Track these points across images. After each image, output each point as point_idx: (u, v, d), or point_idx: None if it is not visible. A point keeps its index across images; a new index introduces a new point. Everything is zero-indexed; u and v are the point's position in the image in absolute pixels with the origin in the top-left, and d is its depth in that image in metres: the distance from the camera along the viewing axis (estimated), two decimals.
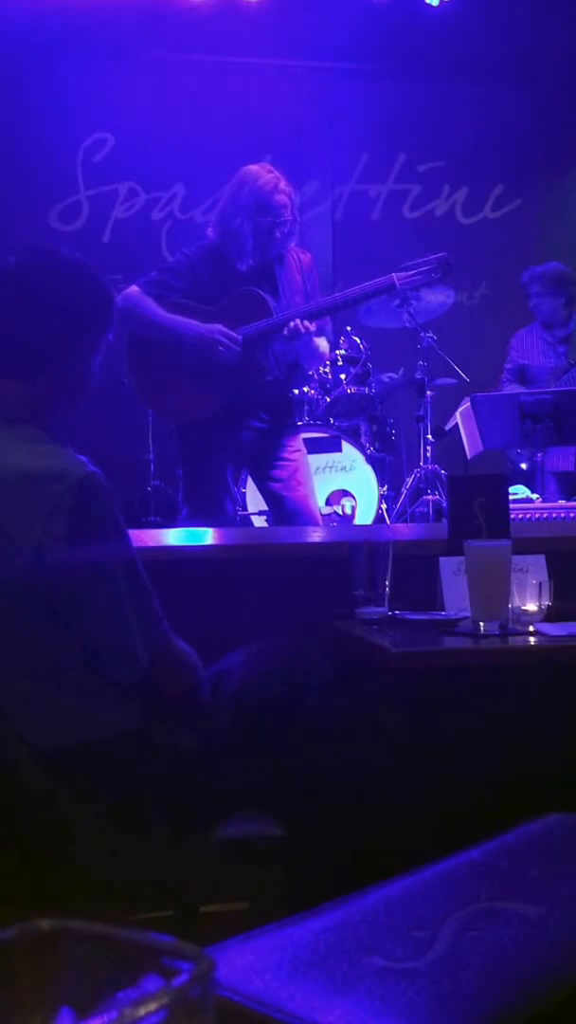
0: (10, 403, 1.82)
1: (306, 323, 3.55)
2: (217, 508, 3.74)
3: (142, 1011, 0.47)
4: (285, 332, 3.57)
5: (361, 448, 5.11)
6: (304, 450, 3.94)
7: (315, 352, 3.78)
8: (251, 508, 4.63)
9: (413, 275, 3.76)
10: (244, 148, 6.36)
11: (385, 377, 5.50)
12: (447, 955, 0.81)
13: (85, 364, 1.89)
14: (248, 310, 3.62)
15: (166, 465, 5.79)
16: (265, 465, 3.81)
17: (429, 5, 6.31)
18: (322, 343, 3.82)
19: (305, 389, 5.07)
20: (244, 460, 3.91)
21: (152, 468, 5.75)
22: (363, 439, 5.31)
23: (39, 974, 0.51)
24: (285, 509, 3.77)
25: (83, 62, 6.21)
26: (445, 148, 6.74)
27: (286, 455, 3.79)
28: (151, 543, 2.70)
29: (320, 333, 3.75)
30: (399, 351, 5.64)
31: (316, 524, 3.83)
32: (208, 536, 3.22)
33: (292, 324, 3.54)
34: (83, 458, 1.78)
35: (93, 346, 1.90)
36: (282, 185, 3.64)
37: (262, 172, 3.68)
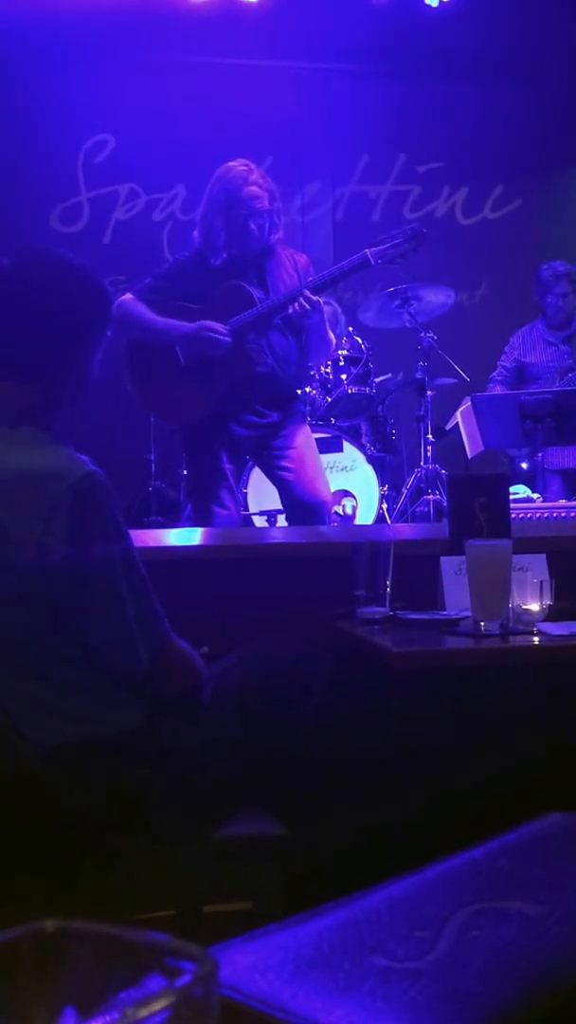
0: (11, 404, 1.83)
1: (308, 295, 3.51)
2: (219, 506, 3.74)
3: (145, 1011, 0.47)
4: (291, 311, 3.54)
5: (362, 448, 5.11)
6: (311, 437, 3.93)
7: (325, 337, 3.75)
8: (252, 508, 4.63)
9: (387, 248, 3.71)
10: (244, 149, 6.33)
11: (389, 383, 5.50)
12: (450, 955, 0.81)
13: (84, 363, 1.90)
14: (234, 303, 3.62)
15: (167, 465, 5.79)
16: (272, 457, 3.80)
17: (428, 6, 6.31)
18: (330, 333, 3.81)
19: (307, 389, 5.07)
20: (248, 454, 3.89)
21: (153, 468, 5.75)
22: (364, 439, 5.31)
23: (42, 974, 0.51)
24: (295, 496, 3.78)
25: (83, 64, 6.22)
26: (445, 149, 6.74)
27: (291, 444, 3.79)
28: (152, 543, 2.71)
29: (323, 322, 3.70)
30: (400, 351, 5.64)
31: (327, 508, 3.84)
32: (209, 536, 3.23)
33: (298, 303, 3.51)
34: (84, 457, 1.79)
35: (92, 345, 1.91)
36: (253, 177, 3.62)
37: (234, 166, 3.68)
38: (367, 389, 5.22)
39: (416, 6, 6.31)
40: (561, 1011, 0.78)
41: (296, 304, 3.54)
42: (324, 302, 3.65)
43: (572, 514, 3.63)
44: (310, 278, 3.69)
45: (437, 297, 5.33)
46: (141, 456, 5.73)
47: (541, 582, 2.16)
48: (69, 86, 6.24)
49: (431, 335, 5.25)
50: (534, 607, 2.14)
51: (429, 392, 5.22)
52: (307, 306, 3.53)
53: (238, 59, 6.41)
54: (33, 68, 6.17)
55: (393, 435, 5.53)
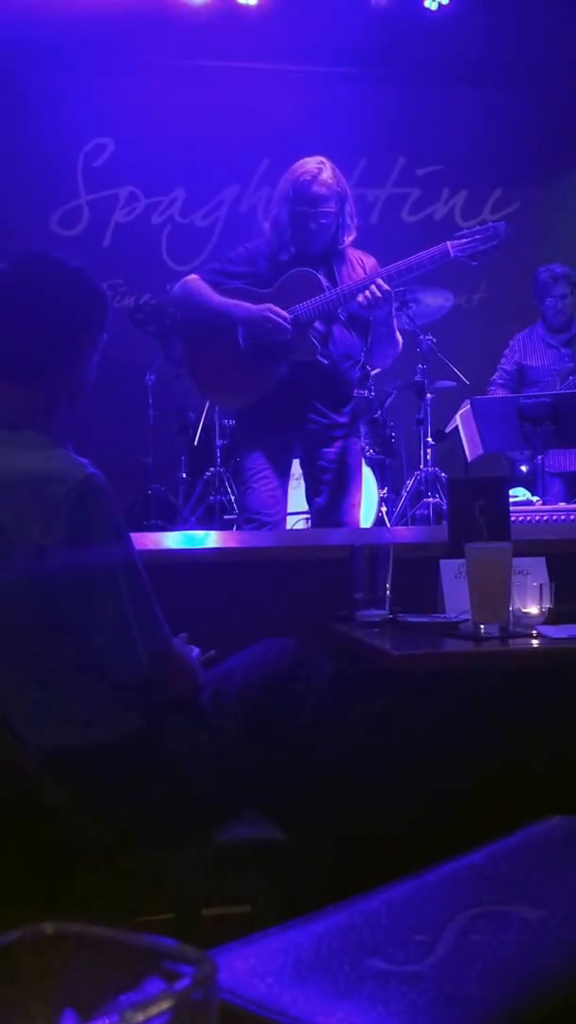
0: (11, 407, 1.83)
1: (380, 283, 3.43)
2: (270, 497, 3.67)
3: (144, 1014, 0.47)
4: (361, 299, 3.47)
5: (361, 451, 5.10)
6: (361, 455, 3.85)
7: (392, 337, 3.68)
8: None
9: (468, 242, 3.61)
10: (243, 152, 6.38)
11: (389, 385, 5.50)
12: (449, 958, 0.81)
13: (83, 366, 1.90)
14: (303, 289, 3.56)
15: (166, 469, 5.79)
16: (320, 466, 3.71)
17: (428, 9, 6.32)
18: (398, 334, 3.73)
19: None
20: (299, 452, 3.78)
21: (152, 471, 5.75)
22: (363, 442, 5.30)
23: (42, 977, 0.51)
24: (327, 514, 3.69)
25: (83, 67, 6.22)
26: (444, 151, 6.74)
27: (344, 460, 3.70)
28: (152, 546, 2.70)
29: (391, 316, 3.64)
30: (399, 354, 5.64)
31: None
32: (209, 540, 3.23)
33: (369, 291, 3.43)
34: (84, 460, 1.79)
35: (90, 347, 1.91)
36: (324, 176, 3.56)
37: (308, 162, 3.62)
38: (366, 392, 5.21)
39: (415, 9, 6.32)
40: (561, 1015, 0.78)
41: (367, 292, 3.46)
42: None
43: (572, 517, 3.63)
44: (388, 267, 3.60)
45: (436, 300, 5.33)
46: (140, 459, 5.73)
47: (541, 585, 2.16)
48: (69, 89, 6.25)
49: (430, 338, 5.25)
50: (534, 610, 2.14)
51: (428, 395, 5.22)
52: (378, 294, 3.45)
53: (237, 62, 6.42)
54: (33, 71, 6.18)
55: (392, 438, 5.52)
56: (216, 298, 3.61)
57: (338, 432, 3.71)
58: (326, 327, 3.60)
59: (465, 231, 3.64)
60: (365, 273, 3.65)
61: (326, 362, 3.61)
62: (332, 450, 3.70)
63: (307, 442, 3.71)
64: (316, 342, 3.57)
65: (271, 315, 3.51)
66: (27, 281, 1.87)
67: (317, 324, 3.57)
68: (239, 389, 3.70)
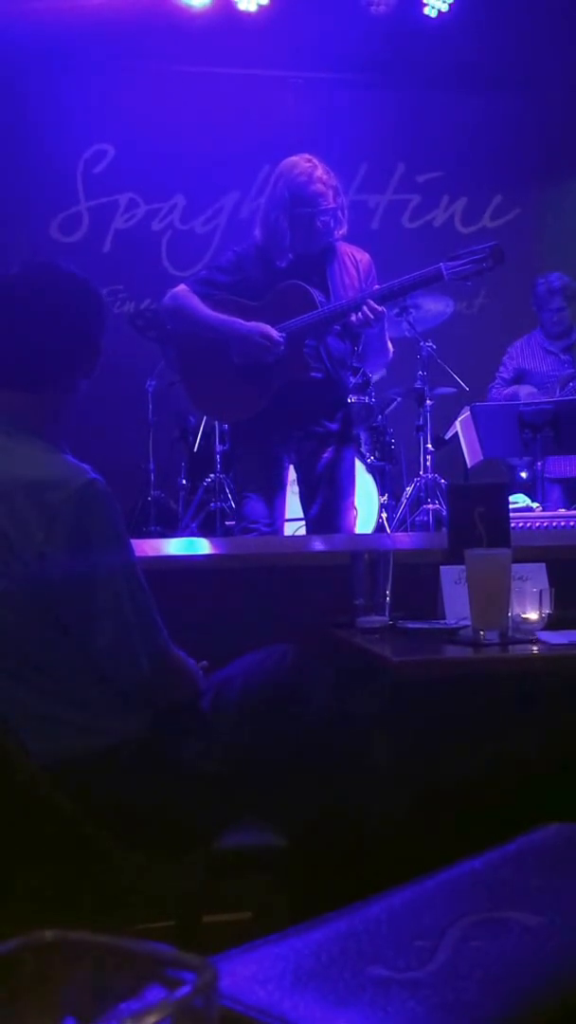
0: (11, 413, 1.83)
1: (373, 304, 3.41)
2: (268, 510, 3.65)
3: (145, 1022, 0.47)
4: (353, 319, 3.46)
5: (361, 457, 5.11)
6: (354, 464, 3.85)
7: (384, 347, 3.66)
8: None
9: (463, 264, 3.56)
10: (243, 159, 6.39)
11: (389, 392, 5.51)
12: (449, 965, 0.81)
13: (83, 373, 1.91)
14: (294, 304, 3.54)
15: (166, 475, 5.79)
16: (312, 475, 3.70)
17: (427, 16, 6.33)
18: (389, 343, 3.71)
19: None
20: (294, 462, 3.78)
21: (152, 478, 5.75)
22: (363, 448, 5.31)
23: (43, 984, 0.51)
24: (321, 520, 3.69)
25: (83, 74, 6.24)
26: (444, 158, 6.76)
27: (335, 464, 3.69)
28: (152, 553, 2.71)
29: (384, 330, 3.62)
30: (399, 360, 5.65)
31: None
32: (208, 546, 3.23)
33: (362, 312, 3.41)
34: (85, 466, 1.79)
35: (91, 355, 1.92)
36: (318, 174, 3.54)
37: (299, 162, 3.59)
38: (366, 398, 5.22)
39: (415, 17, 6.33)
40: (561, 1021, 0.78)
41: (359, 313, 3.45)
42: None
43: (572, 523, 3.64)
44: (375, 287, 3.58)
45: (436, 306, 5.34)
46: (140, 466, 5.74)
47: (540, 591, 2.16)
48: (69, 95, 6.26)
49: (430, 344, 5.25)
50: (533, 616, 2.14)
51: (428, 401, 5.22)
52: (371, 316, 3.44)
53: (237, 69, 6.43)
54: (33, 78, 6.19)
55: (392, 444, 5.53)
56: (207, 313, 3.58)
57: (331, 439, 3.70)
58: (319, 341, 3.59)
59: (462, 252, 3.60)
60: (357, 273, 3.64)
61: (320, 376, 3.60)
62: (325, 456, 3.69)
63: (300, 450, 3.70)
64: (309, 359, 3.56)
65: (261, 339, 3.49)
66: (33, 289, 1.88)
67: (308, 340, 3.56)
68: (234, 405, 3.68)
